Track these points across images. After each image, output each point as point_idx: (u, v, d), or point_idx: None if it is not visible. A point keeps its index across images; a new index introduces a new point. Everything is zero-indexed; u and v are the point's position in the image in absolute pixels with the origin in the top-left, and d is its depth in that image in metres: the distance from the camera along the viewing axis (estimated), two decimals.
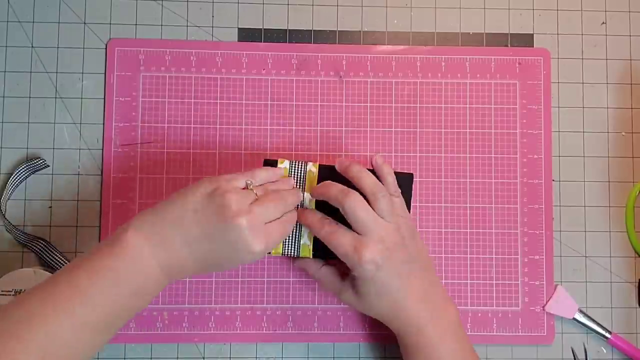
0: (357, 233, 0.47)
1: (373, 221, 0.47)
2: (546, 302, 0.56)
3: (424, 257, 0.51)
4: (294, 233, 0.51)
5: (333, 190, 0.48)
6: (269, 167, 0.50)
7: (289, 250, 0.51)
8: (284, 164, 0.52)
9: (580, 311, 0.56)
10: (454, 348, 0.48)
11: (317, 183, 0.51)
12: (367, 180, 0.48)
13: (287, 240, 0.51)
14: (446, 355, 0.48)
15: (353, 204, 0.47)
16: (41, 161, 0.55)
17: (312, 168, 0.52)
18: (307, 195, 0.51)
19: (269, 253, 0.51)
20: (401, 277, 0.48)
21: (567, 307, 0.56)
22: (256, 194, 0.47)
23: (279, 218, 0.47)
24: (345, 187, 0.48)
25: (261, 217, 0.45)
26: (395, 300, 0.48)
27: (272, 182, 0.50)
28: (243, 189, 0.47)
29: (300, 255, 0.51)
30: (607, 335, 0.56)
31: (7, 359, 0.39)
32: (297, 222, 0.51)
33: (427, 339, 0.48)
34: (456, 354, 0.48)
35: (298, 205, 0.51)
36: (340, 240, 0.47)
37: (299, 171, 0.51)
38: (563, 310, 0.56)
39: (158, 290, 0.45)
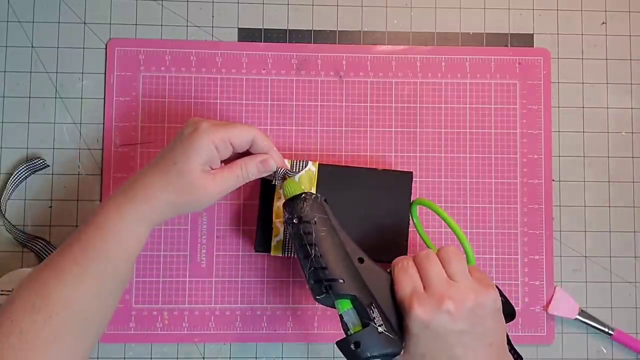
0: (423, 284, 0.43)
1: (441, 279, 0.42)
2: (547, 305, 0.56)
3: (495, 339, 0.42)
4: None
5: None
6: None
7: (289, 251, 0.51)
8: (284, 164, 0.52)
9: (582, 311, 0.56)
10: None
11: (317, 182, 0.51)
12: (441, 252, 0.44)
13: (287, 240, 0.51)
14: None
15: (425, 260, 0.43)
16: (41, 161, 0.55)
17: (312, 167, 0.52)
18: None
19: (270, 253, 0.51)
20: (453, 347, 0.41)
21: (569, 308, 0.56)
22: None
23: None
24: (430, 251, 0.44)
25: (222, 128, 0.46)
26: None
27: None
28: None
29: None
30: (611, 332, 0.56)
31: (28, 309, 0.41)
32: None
33: None
34: None
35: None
36: (401, 284, 0.43)
37: (299, 170, 0.51)
38: (565, 311, 0.56)
39: (137, 238, 0.46)
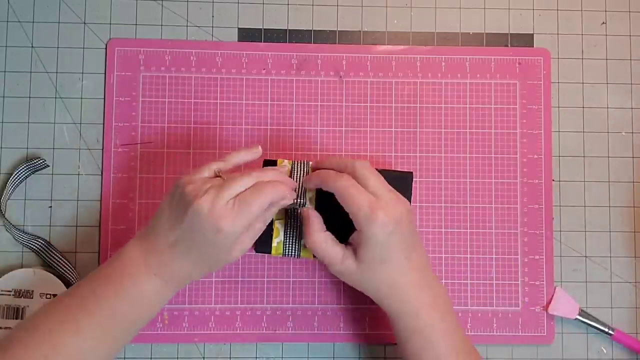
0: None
1: (386, 188, 0.47)
2: (547, 305, 0.56)
3: (418, 234, 0.50)
4: (295, 233, 0.51)
5: (343, 162, 0.48)
6: (244, 149, 0.50)
7: (290, 251, 0.51)
8: (284, 164, 0.52)
9: (582, 311, 0.56)
10: (451, 332, 0.47)
11: None
12: (346, 163, 0.49)
13: (287, 241, 0.51)
14: (444, 340, 0.47)
15: (366, 172, 0.47)
16: (41, 161, 0.55)
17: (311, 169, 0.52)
18: (307, 194, 0.51)
19: (270, 253, 0.51)
20: (406, 249, 0.47)
21: (569, 308, 0.56)
22: (223, 178, 0.46)
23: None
24: (357, 160, 0.48)
25: (223, 194, 0.44)
26: (397, 274, 0.47)
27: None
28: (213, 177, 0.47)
29: (301, 256, 0.51)
30: (611, 332, 0.56)
31: None
32: (298, 222, 0.51)
33: (426, 323, 0.47)
34: (453, 338, 0.47)
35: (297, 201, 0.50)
36: (356, 195, 0.46)
37: (299, 170, 0.51)
38: (565, 311, 0.56)
39: (160, 299, 0.47)
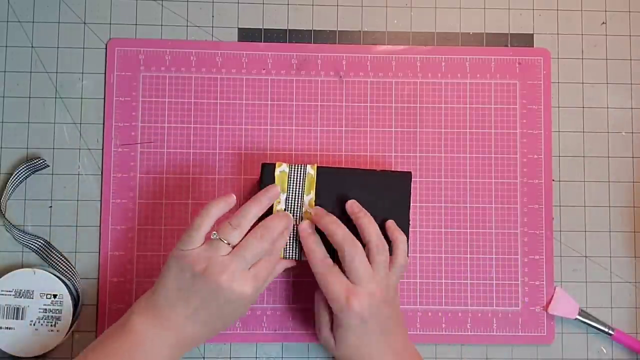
0: (350, 280, 0.48)
1: (369, 275, 0.48)
2: (547, 305, 0.56)
3: (401, 317, 0.52)
4: (295, 235, 0.51)
5: (339, 232, 0.48)
6: (222, 199, 0.48)
7: (290, 253, 0.51)
8: (282, 167, 0.52)
9: (582, 311, 0.56)
10: None
11: (316, 185, 0.51)
12: (374, 232, 0.49)
13: (288, 245, 0.51)
14: None
15: (353, 253, 0.48)
16: (41, 161, 0.55)
17: (311, 170, 0.52)
18: (306, 198, 0.51)
19: None
20: (384, 333, 0.48)
21: (569, 308, 0.56)
22: (228, 243, 0.47)
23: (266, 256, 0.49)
24: (350, 234, 0.49)
25: (241, 264, 0.46)
26: (373, 356, 0.48)
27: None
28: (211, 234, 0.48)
29: (301, 258, 0.51)
30: (611, 332, 0.56)
31: None
32: (297, 224, 0.51)
33: None
34: None
35: (297, 211, 0.51)
36: (332, 284, 0.47)
37: (298, 173, 0.51)
38: (565, 311, 0.56)
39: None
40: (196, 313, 0.46)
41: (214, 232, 0.47)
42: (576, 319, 0.56)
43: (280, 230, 0.49)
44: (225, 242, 0.47)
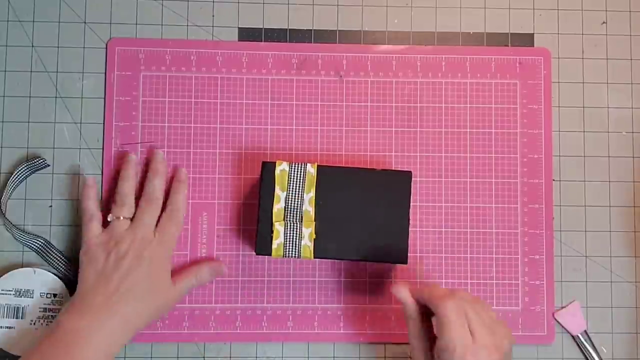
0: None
1: (485, 329, 0.45)
2: (550, 307, 0.57)
3: None
4: (295, 235, 0.51)
5: (440, 291, 0.47)
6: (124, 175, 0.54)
7: (290, 252, 0.51)
8: (282, 166, 0.52)
9: (586, 333, 0.56)
10: None
11: (316, 184, 0.51)
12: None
13: (287, 242, 0.51)
14: None
15: (478, 307, 0.46)
16: (41, 160, 0.55)
17: (311, 169, 0.52)
18: (306, 196, 0.51)
19: (270, 255, 0.51)
20: None
21: (575, 324, 0.56)
22: (123, 217, 0.52)
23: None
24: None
25: (144, 229, 0.52)
26: None
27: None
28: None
29: (301, 257, 0.51)
30: None
31: None
32: (297, 223, 0.51)
33: None
34: None
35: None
36: (455, 329, 0.44)
37: (298, 172, 0.51)
38: (571, 324, 0.56)
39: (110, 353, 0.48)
40: (119, 290, 0.48)
41: (108, 216, 0.52)
42: (577, 336, 0.56)
43: (159, 188, 0.54)
44: (121, 217, 0.52)
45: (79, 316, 0.47)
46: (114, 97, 0.57)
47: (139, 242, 0.51)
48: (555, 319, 0.56)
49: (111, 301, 0.48)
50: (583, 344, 0.56)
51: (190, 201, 0.56)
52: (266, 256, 0.56)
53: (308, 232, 0.51)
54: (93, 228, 0.52)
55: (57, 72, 0.57)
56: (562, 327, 0.56)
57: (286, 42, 0.58)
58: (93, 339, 0.46)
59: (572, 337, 0.57)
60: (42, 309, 0.53)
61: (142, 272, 0.50)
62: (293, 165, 0.52)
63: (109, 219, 0.52)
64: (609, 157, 0.59)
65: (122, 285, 0.49)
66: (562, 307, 0.57)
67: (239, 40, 0.58)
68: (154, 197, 0.53)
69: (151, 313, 0.50)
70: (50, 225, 0.56)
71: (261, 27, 0.59)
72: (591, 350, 0.56)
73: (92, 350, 0.46)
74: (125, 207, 0.53)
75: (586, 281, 0.58)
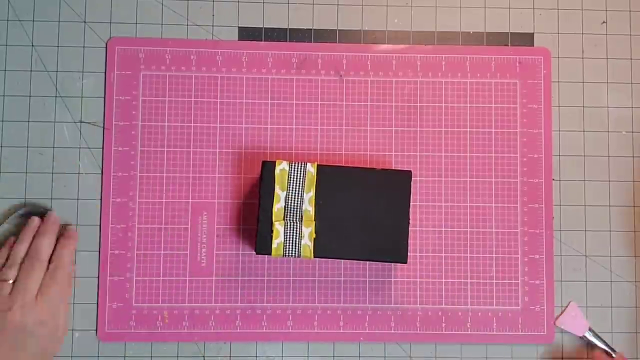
0: None
1: None
2: (557, 317, 0.57)
3: None
4: (295, 234, 0.51)
5: None
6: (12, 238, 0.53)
7: (290, 252, 0.51)
8: (282, 165, 0.52)
9: (591, 330, 0.56)
10: None
11: (316, 183, 0.51)
12: None
13: (287, 242, 0.51)
14: None
15: None
16: (42, 209, 0.56)
17: (311, 168, 0.52)
18: (306, 196, 0.51)
19: (270, 255, 0.51)
20: None
21: (578, 325, 0.56)
22: (7, 280, 0.50)
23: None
24: None
25: (26, 295, 0.49)
26: None
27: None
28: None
29: (301, 256, 0.51)
30: (613, 355, 0.56)
31: None
32: (297, 222, 0.51)
33: None
34: None
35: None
36: None
37: (298, 172, 0.52)
38: (574, 326, 0.56)
39: None
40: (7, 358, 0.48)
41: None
42: (583, 336, 0.56)
43: (48, 245, 0.53)
44: (5, 281, 0.50)
45: None
46: (113, 97, 0.57)
47: (19, 310, 0.49)
48: (558, 326, 0.56)
49: None
50: (592, 342, 0.56)
51: (190, 201, 0.56)
52: (266, 256, 0.56)
53: (308, 231, 0.51)
54: None
55: (57, 71, 0.57)
56: (567, 331, 0.56)
57: (286, 41, 0.58)
58: None
59: (580, 338, 0.57)
60: None
61: (31, 344, 0.49)
62: (293, 164, 0.52)
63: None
64: (608, 156, 0.59)
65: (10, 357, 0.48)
66: (561, 313, 0.57)
67: (238, 40, 0.58)
68: (38, 258, 0.52)
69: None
70: None
71: (261, 26, 0.59)
72: (603, 346, 0.56)
73: None
74: (12, 268, 0.51)
75: (586, 281, 0.58)
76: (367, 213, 0.52)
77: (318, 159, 0.57)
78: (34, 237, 0.53)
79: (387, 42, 0.59)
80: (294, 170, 0.52)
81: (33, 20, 0.57)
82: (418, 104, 0.58)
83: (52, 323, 0.50)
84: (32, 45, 0.57)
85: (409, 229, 0.52)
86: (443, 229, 0.57)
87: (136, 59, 0.57)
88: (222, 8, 0.58)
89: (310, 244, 0.51)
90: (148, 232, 0.56)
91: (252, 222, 0.56)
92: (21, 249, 0.52)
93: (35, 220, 0.54)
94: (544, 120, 0.58)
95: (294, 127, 0.57)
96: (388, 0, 0.59)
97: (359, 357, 0.56)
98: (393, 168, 0.57)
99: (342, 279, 0.56)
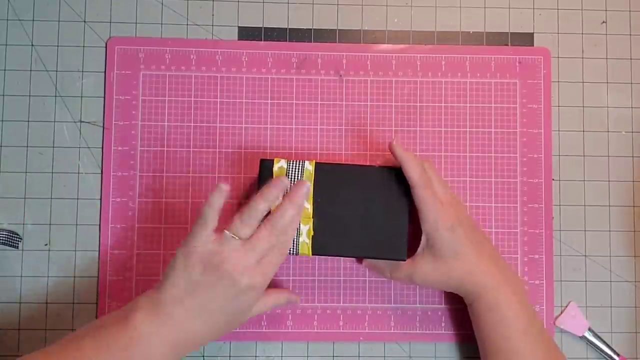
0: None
1: (448, 193, 0.52)
2: (556, 317, 0.57)
3: (483, 233, 0.54)
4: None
5: (419, 165, 0.50)
6: (217, 193, 0.48)
7: (290, 250, 0.51)
8: (280, 163, 0.52)
9: (591, 330, 0.56)
10: (521, 310, 0.50)
11: (314, 181, 0.51)
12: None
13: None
14: (514, 315, 0.49)
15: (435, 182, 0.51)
16: (15, 236, 0.55)
17: (309, 166, 0.52)
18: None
19: None
20: (473, 243, 0.51)
21: (578, 325, 0.56)
22: (238, 238, 0.48)
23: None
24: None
25: (252, 258, 0.47)
26: (470, 262, 0.50)
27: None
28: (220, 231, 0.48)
29: (299, 253, 0.51)
30: (615, 357, 0.56)
31: None
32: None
33: (498, 298, 0.50)
34: (522, 315, 0.50)
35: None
36: (430, 197, 0.50)
37: (296, 170, 0.52)
38: (573, 327, 0.56)
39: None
40: (202, 309, 0.46)
41: (225, 230, 0.48)
42: (583, 336, 0.56)
43: (289, 221, 0.49)
44: (237, 237, 0.47)
45: (152, 318, 0.46)
46: (113, 96, 0.57)
47: (241, 269, 0.47)
48: (557, 326, 0.56)
49: (188, 318, 0.46)
50: (592, 342, 0.56)
51: (190, 200, 0.56)
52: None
53: (306, 229, 0.51)
54: (203, 235, 0.47)
55: (56, 71, 0.57)
56: (567, 331, 0.56)
57: (286, 41, 0.58)
58: (155, 345, 0.45)
59: (580, 338, 0.57)
60: None
61: (230, 300, 0.47)
62: (291, 162, 0.52)
63: (226, 232, 0.48)
64: (608, 156, 0.59)
65: (207, 306, 0.47)
66: (560, 313, 0.57)
67: (238, 40, 0.58)
68: (279, 227, 0.49)
69: (219, 335, 0.49)
70: (50, 224, 0.56)
71: (261, 26, 0.59)
72: (602, 346, 0.56)
73: (152, 355, 0.45)
74: (247, 228, 0.48)
75: (586, 281, 0.58)
76: (366, 210, 0.52)
77: (318, 159, 0.57)
78: (282, 202, 0.49)
79: (387, 42, 0.59)
80: (292, 168, 0.52)
81: (33, 20, 0.57)
82: (418, 104, 0.58)
83: (258, 292, 0.48)
84: (32, 45, 0.57)
85: (409, 227, 0.52)
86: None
87: (136, 58, 0.57)
88: (222, 8, 0.58)
89: (309, 242, 0.51)
90: (148, 231, 0.56)
91: None
92: (263, 208, 0.49)
93: (286, 181, 0.50)
94: (543, 120, 0.58)
95: (293, 127, 0.57)
96: (388, 0, 0.59)
97: (359, 357, 0.56)
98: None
99: (342, 278, 0.56)
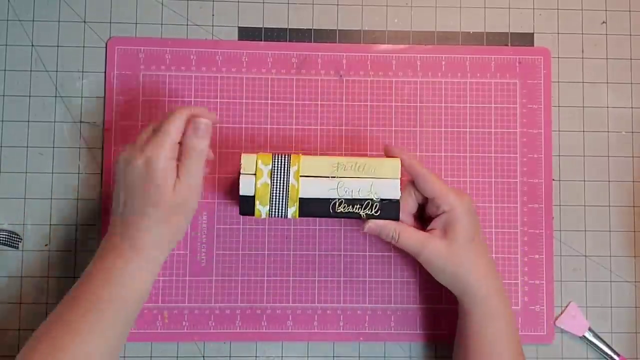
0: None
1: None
2: (557, 317, 0.57)
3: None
4: (281, 195, 0.49)
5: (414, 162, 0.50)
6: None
7: (276, 212, 0.49)
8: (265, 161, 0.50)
9: (591, 330, 0.56)
10: (508, 324, 0.51)
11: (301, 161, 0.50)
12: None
13: (273, 203, 0.49)
14: (505, 327, 0.50)
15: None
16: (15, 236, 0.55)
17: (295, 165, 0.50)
18: (292, 169, 0.49)
19: (253, 214, 0.49)
20: (475, 232, 0.51)
21: (578, 325, 0.56)
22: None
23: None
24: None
25: (141, 135, 0.48)
26: (478, 253, 0.50)
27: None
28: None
29: (288, 217, 0.49)
30: (615, 357, 0.56)
31: None
32: (283, 184, 0.49)
33: (492, 307, 0.50)
34: (510, 329, 0.51)
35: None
36: (439, 182, 0.50)
37: (282, 164, 0.50)
38: (574, 327, 0.56)
39: (144, 276, 0.47)
40: (128, 203, 0.47)
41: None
42: (583, 336, 0.56)
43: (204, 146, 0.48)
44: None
45: (115, 232, 0.47)
46: (113, 96, 0.57)
47: (139, 144, 0.47)
48: (557, 326, 0.56)
49: (128, 217, 0.47)
50: (592, 342, 0.56)
51: None
52: (266, 254, 0.56)
53: (293, 192, 0.49)
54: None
55: (57, 71, 0.57)
56: (567, 331, 0.56)
57: (286, 41, 0.58)
58: (120, 251, 0.47)
59: (580, 338, 0.57)
60: None
61: (146, 185, 0.46)
62: (275, 156, 0.50)
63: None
64: (608, 156, 0.59)
65: (131, 202, 0.47)
66: (560, 313, 0.57)
67: (238, 40, 0.58)
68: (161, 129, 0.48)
69: (190, 199, 0.48)
70: (50, 225, 0.56)
71: (261, 26, 0.59)
72: (602, 346, 0.56)
73: (126, 261, 0.46)
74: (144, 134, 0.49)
75: (586, 281, 0.58)
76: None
77: None
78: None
79: (387, 42, 0.59)
80: (277, 163, 0.49)
81: (33, 20, 0.57)
82: (418, 104, 0.58)
83: (160, 161, 0.46)
84: (32, 45, 0.57)
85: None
86: None
87: (136, 59, 0.57)
88: (222, 8, 0.58)
89: (296, 206, 0.49)
90: None
91: (253, 222, 0.56)
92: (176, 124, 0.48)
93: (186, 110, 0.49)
94: (543, 120, 0.58)
95: (294, 127, 0.57)
96: (388, 0, 0.59)
97: (359, 357, 0.56)
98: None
99: (342, 279, 0.56)
